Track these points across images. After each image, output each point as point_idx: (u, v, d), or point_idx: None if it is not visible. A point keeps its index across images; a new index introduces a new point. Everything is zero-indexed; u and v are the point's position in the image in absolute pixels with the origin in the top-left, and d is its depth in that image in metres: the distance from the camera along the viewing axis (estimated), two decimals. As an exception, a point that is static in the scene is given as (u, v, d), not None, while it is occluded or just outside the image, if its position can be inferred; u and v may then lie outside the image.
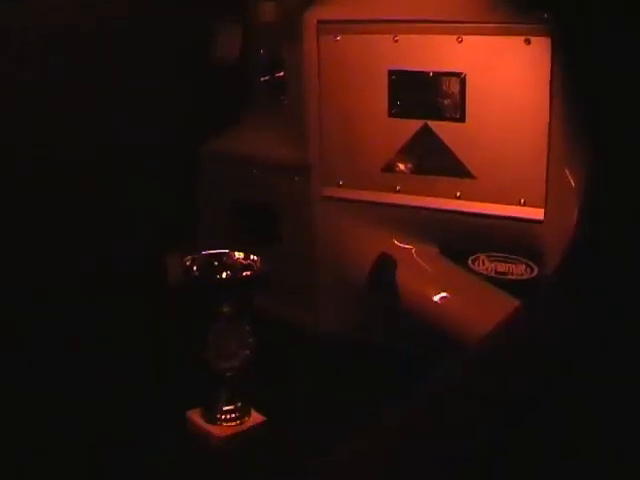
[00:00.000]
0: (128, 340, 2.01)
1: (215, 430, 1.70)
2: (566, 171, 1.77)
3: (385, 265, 2.02)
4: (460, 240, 1.99)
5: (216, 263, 1.71)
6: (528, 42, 1.78)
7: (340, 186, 2.07)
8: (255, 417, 1.73)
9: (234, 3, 2.14)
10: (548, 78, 1.76)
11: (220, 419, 1.71)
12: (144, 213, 2.26)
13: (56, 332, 1.96)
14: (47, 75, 2.03)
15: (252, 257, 1.71)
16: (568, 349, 1.22)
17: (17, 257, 2.02)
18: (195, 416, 1.73)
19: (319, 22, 2.02)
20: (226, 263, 1.71)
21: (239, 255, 1.72)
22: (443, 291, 1.97)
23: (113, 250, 2.19)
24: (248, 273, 1.69)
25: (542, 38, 1.76)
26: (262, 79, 2.21)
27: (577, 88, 1.72)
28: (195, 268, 1.69)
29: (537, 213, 1.84)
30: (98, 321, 2.04)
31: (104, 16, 2.08)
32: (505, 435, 1.05)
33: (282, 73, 2.17)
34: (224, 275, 1.69)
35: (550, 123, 1.78)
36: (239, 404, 1.72)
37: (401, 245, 2.04)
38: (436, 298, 1.97)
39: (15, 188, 2.01)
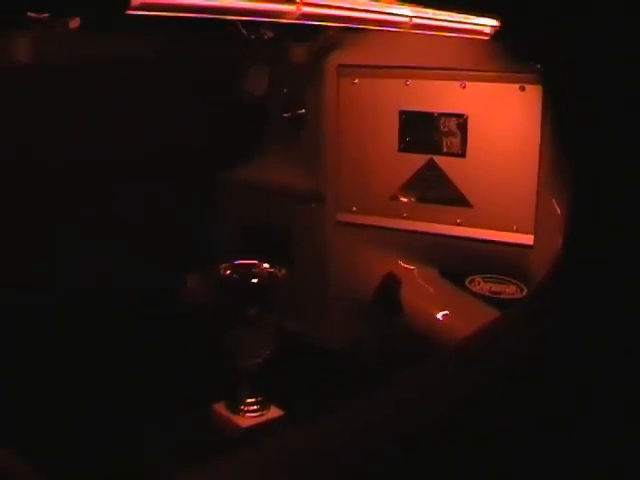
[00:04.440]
0: (154, 343, 2.07)
1: (239, 420, 1.80)
2: (553, 201, 1.87)
3: (391, 284, 2.13)
4: (458, 262, 2.09)
5: (245, 271, 1.83)
6: (522, 89, 1.91)
7: (353, 212, 2.19)
8: (274, 411, 1.83)
9: (263, 43, 2.18)
10: (539, 120, 1.87)
11: (243, 410, 1.81)
12: (166, 233, 2.31)
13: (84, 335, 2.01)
14: (74, 95, 2.05)
15: (277, 267, 1.84)
16: (544, 351, 1.33)
17: (38, 272, 2.04)
18: (220, 408, 1.83)
19: (339, 66, 2.13)
20: (254, 271, 1.83)
21: (266, 265, 1.84)
22: (442, 308, 2.08)
23: (133, 267, 2.23)
24: (273, 280, 1.82)
25: (535, 86, 1.88)
26: (284, 115, 2.28)
27: (564, 129, 1.83)
28: (228, 273, 1.82)
29: (527, 239, 1.95)
30: (123, 323, 2.09)
31: (133, 47, 2.11)
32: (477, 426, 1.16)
33: (303, 110, 2.25)
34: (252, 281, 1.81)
35: (540, 159, 1.89)
36: (260, 398, 1.82)
37: (406, 266, 2.15)
38: (436, 315, 2.07)
39: (41, 206, 2.05)
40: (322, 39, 2.16)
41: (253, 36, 2.10)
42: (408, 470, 1.07)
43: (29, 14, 1.63)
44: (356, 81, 2.14)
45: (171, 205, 2.31)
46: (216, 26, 1.60)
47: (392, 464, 1.07)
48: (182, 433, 1.69)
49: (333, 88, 2.16)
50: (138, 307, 2.14)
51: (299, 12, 1.14)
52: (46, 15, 1.64)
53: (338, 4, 1.22)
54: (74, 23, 1.76)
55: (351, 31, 2.07)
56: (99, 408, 1.77)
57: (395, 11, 1.38)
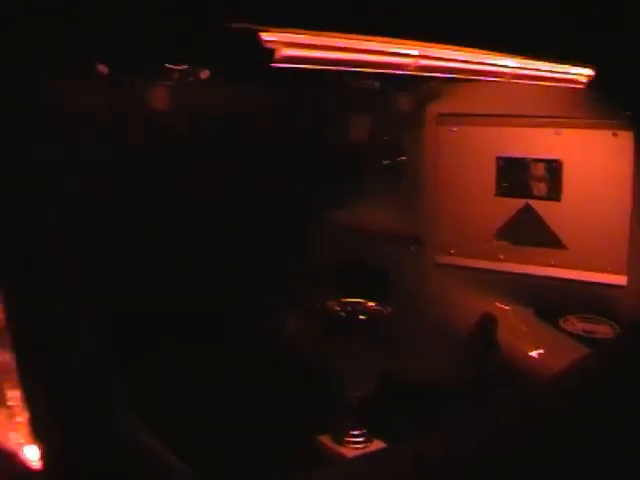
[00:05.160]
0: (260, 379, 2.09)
1: (344, 451, 1.87)
2: (645, 244, 1.90)
3: (488, 323, 2.18)
4: (553, 302, 2.14)
5: (351, 308, 1.94)
6: (615, 135, 1.97)
7: (451, 254, 2.26)
8: (377, 443, 1.90)
9: (369, 93, 2.25)
10: (632, 165, 1.93)
11: (348, 442, 1.89)
12: (274, 272, 2.37)
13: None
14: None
15: (383, 305, 1.94)
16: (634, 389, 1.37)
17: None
18: (326, 440, 1.91)
19: (439, 115, 2.22)
20: (361, 309, 1.93)
21: (372, 303, 1.95)
22: (537, 347, 2.12)
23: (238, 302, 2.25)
24: (379, 318, 1.92)
25: (626, 132, 1.94)
26: (384, 162, 2.35)
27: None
28: (337, 309, 1.92)
29: (620, 279, 2.00)
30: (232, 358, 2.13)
31: (246, 96, 2.17)
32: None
33: (403, 158, 2.32)
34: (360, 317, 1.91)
35: (633, 203, 1.94)
36: (364, 431, 1.89)
37: (501, 306, 2.20)
38: (531, 353, 2.11)
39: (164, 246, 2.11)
40: (424, 89, 2.24)
41: (361, 86, 2.18)
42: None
43: (167, 65, 1.76)
44: (455, 129, 2.22)
45: (278, 245, 2.38)
46: (325, 76, 1.68)
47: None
48: (288, 464, 1.72)
49: (433, 136, 2.24)
50: (243, 343, 2.21)
51: (416, 64, 1.26)
52: (182, 66, 1.77)
53: (450, 56, 1.33)
54: (204, 74, 1.88)
55: (449, 82, 2.14)
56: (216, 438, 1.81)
57: (500, 62, 1.48)
